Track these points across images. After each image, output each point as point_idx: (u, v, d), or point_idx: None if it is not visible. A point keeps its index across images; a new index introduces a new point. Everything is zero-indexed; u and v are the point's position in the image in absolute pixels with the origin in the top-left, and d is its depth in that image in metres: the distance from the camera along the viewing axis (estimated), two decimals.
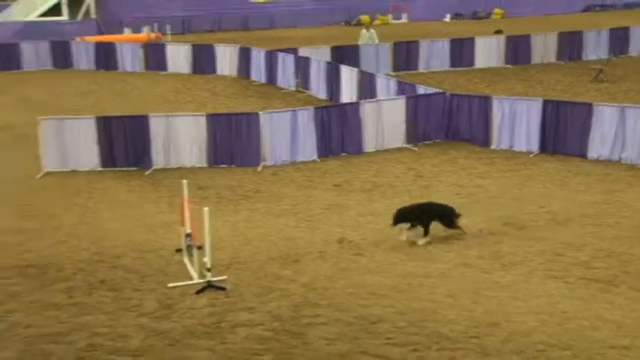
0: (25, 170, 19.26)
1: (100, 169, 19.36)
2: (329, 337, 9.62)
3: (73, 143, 19.39)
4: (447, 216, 13.52)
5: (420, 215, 13.44)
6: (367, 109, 20.85)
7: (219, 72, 34.01)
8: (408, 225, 13.45)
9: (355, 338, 9.55)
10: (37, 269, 12.50)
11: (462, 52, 32.69)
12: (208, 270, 11.33)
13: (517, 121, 20.31)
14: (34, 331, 10.03)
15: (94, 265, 12.63)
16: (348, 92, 25.83)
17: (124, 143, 19.47)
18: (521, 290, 11.08)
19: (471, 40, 33.24)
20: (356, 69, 26.42)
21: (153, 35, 44.33)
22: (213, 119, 19.87)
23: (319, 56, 29.85)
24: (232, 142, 19.67)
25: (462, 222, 13.64)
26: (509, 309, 10.36)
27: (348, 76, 26.03)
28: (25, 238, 14.32)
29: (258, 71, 31.90)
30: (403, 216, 13.38)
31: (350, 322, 10.04)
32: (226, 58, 33.87)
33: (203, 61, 34.62)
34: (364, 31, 34.39)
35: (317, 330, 9.82)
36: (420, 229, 13.46)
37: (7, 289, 11.59)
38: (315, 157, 20.08)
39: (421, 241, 13.34)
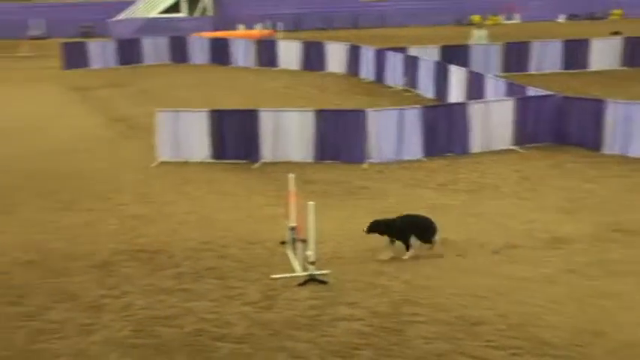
0: (141, 159, 20.13)
1: (211, 160, 19.97)
2: (428, 336, 9.65)
3: (186, 135, 20.08)
4: (424, 230, 12.84)
5: (396, 230, 12.78)
6: (475, 109, 20.63)
7: (328, 69, 34.36)
8: (389, 240, 12.86)
9: (454, 339, 9.55)
10: (148, 254, 13.09)
11: (576, 53, 31.82)
12: (311, 263, 11.55)
13: (632, 126, 19.59)
14: (147, 312, 10.54)
15: (202, 253, 13.10)
16: (456, 92, 25.60)
17: (234, 136, 20.01)
18: (630, 300, 10.76)
19: (586, 42, 32.28)
20: (465, 69, 26.16)
21: (266, 32, 45.22)
22: (321, 115, 20.14)
23: (428, 55, 29.71)
24: (339, 138, 19.87)
25: (438, 237, 12.95)
26: (616, 318, 10.09)
27: (457, 76, 25.79)
28: (138, 224, 15.00)
29: (367, 69, 32.05)
30: (377, 227, 12.77)
31: (449, 322, 10.04)
32: (336, 56, 34.19)
33: (313, 58, 35.08)
34: (475, 30, 34.01)
35: (416, 328, 9.87)
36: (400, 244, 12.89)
37: (121, 272, 12.21)
38: (420, 156, 20.03)
39: (405, 256, 12.75)
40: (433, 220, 12.97)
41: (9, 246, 13.63)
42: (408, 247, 12.77)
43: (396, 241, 12.85)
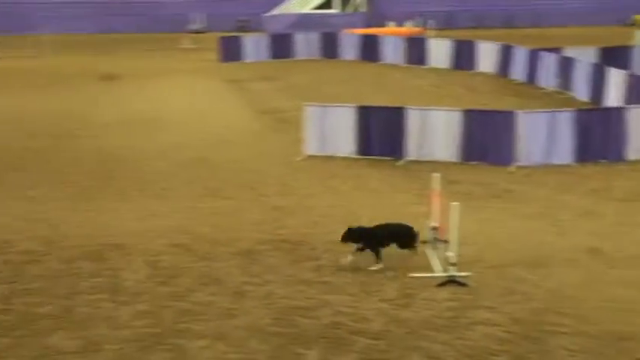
0: (287, 152, 20.57)
1: (356, 156, 20.11)
2: (571, 347, 9.30)
3: (333, 130, 20.30)
4: (404, 237, 12.12)
5: (371, 239, 12.07)
6: (634, 114, 19.62)
7: (478, 69, 33.77)
8: (355, 247, 12.16)
9: (600, 353, 9.15)
10: (290, 245, 13.34)
11: None
12: (452, 264, 11.40)
13: None
14: (287, 302, 10.78)
15: (342, 247, 13.17)
16: (613, 96, 24.47)
17: (380, 133, 20.04)
18: None
19: None
20: (625, 72, 24.95)
21: (415, 29, 45.05)
22: (469, 115, 19.80)
23: (585, 57, 28.55)
24: (486, 139, 19.46)
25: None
26: None
27: (616, 79, 24.65)
28: (282, 215, 15.33)
29: (518, 70, 31.25)
30: (352, 235, 12.10)
31: (595, 335, 9.62)
32: (487, 55, 33.57)
33: (463, 57, 34.61)
34: (638, 31, 32.33)
35: (558, 339, 9.54)
36: (370, 254, 12.16)
37: (264, 261, 12.53)
38: (571, 160, 19.29)
39: (373, 267, 12.06)
40: (413, 227, 12.32)
41: (161, 229, 14.32)
42: (378, 257, 12.14)
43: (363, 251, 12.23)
